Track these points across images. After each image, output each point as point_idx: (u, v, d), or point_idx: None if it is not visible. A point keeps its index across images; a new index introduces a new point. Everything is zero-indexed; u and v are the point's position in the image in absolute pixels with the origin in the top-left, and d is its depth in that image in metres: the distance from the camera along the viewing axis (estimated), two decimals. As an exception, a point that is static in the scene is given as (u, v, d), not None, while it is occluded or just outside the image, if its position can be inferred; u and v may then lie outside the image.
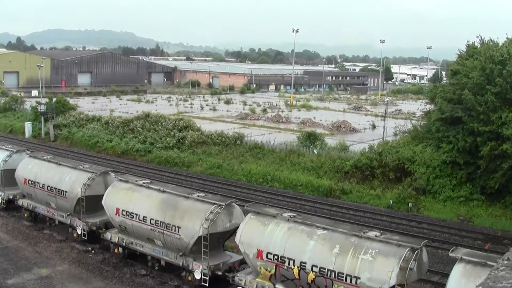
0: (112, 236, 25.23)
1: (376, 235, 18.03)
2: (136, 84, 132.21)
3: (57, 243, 27.61)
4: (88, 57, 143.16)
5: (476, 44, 39.05)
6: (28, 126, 60.89)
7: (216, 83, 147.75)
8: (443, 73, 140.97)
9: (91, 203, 26.14)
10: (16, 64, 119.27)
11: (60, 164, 28.99)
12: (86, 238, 26.79)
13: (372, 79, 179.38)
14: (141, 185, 24.32)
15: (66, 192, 27.14)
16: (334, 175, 39.85)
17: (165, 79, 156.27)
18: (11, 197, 31.83)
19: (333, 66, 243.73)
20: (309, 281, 18.40)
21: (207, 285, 21.45)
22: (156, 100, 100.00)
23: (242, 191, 38.36)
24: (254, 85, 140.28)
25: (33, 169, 29.59)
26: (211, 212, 21.06)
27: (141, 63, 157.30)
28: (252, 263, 20.08)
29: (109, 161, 46.92)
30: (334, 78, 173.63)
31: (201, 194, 23.29)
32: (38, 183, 28.75)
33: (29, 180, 29.39)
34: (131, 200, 23.78)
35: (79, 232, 26.96)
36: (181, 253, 22.14)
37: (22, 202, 30.94)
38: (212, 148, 47.39)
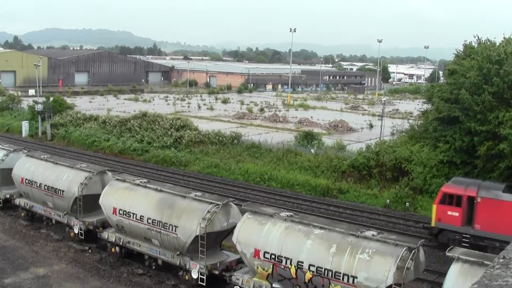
0: (109, 235, 25.20)
1: (373, 235, 18.07)
2: (133, 83, 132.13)
3: (54, 242, 27.58)
4: (86, 56, 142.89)
5: (473, 44, 39.10)
6: (25, 125, 60.72)
7: (213, 82, 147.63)
8: (441, 72, 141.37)
9: (88, 202, 26.13)
10: (13, 63, 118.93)
11: (57, 163, 28.95)
12: (83, 238, 26.77)
13: (369, 79, 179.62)
14: (138, 185, 24.30)
15: (63, 191, 27.10)
16: (331, 174, 39.88)
17: (162, 79, 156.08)
18: (8, 196, 31.79)
19: (330, 65, 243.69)
20: (306, 281, 18.42)
21: (204, 284, 21.45)
22: (153, 100, 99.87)
23: (239, 191, 38.36)
24: (252, 84, 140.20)
25: (30, 168, 29.53)
26: (208, 211, 21.06)
27: (138, 62, 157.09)
28: (249, 262, 20.08)
29: (106, 161, 46.87)
30: (331, 77, 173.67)
31: (198, 193, 23.30)
32: (35, 182, 28.70)
33: (26, 179, 29.34)
34: (128, 200, 23.75)
35: (76, 231, 26.91)
36: (178, 253, 22.14)
37: (19, 201, 30.87)
38: (209, 147, 47.38)
